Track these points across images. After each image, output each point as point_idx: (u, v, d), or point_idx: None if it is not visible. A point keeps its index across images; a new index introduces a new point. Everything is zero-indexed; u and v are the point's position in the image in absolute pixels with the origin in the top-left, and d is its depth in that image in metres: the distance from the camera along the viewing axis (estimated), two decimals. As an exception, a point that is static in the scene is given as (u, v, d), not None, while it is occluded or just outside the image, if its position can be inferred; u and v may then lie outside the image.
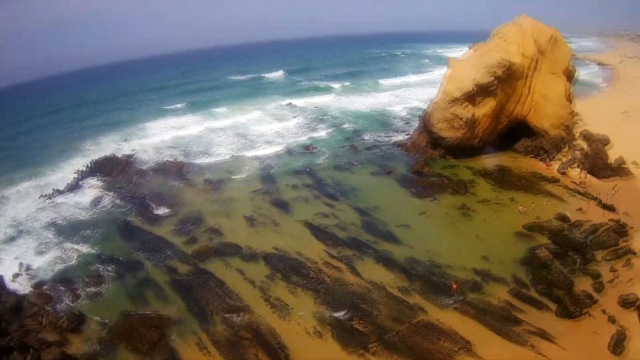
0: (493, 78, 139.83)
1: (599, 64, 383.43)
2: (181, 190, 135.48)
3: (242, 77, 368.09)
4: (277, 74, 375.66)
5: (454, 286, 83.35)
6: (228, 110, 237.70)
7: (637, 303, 75.93)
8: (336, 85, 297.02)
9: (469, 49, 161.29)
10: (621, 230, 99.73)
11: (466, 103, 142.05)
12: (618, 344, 67.55)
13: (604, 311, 75.84)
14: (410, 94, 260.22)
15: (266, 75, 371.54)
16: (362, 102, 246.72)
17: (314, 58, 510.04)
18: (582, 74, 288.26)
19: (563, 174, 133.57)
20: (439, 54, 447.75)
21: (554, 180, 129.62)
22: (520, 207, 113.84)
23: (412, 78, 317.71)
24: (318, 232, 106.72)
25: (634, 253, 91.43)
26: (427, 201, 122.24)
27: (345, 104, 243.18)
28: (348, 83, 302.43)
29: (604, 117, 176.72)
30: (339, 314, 78.06)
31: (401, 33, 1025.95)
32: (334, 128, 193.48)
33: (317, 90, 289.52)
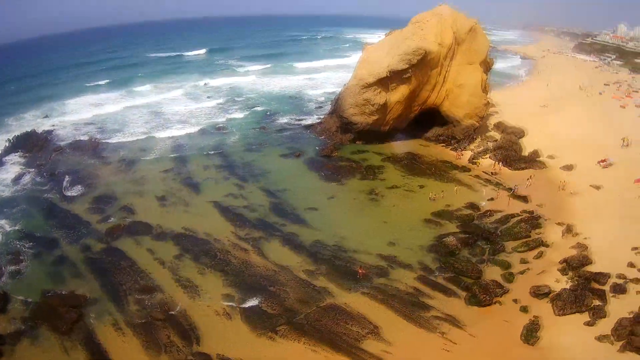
0: (408, 65, 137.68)
1: (522, 56, 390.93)
2: (97, 169, 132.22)
3: (164, 55, 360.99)
4: (198, 52, 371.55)
5: (360, 271, 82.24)
6: (147, 88, 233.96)
7: (550, 294, 74.86)
8: (254, 67, 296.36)
9: (386, 35, 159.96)
10: (534, 221, 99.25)
11: (379, 89, 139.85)
12: (531, 333, 66.25)
13: (515, 301, 74.82)
14: (325, 78, 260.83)
15: (187, 53, 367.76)
16: (278, 84, 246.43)
17: (236, 37, 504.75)
18: (503, 65, 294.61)
19: (474, 163, 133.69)
20: (359, 39, 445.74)
21: (465, 170, 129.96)
22: (431, 193, 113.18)
23: (329, 62, 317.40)
24: (227, 213, 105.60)
25: (547, 245, 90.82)
26: (335, 185, 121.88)
27: (261, 85, 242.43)
28: (266, 65, 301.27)
29: (523, 109, 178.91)
30: (247, 296, 77.42)
31: (325, 15, 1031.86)
32: (247, 109, 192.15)
33: (235, 70, 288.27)
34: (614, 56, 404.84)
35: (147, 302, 75.92)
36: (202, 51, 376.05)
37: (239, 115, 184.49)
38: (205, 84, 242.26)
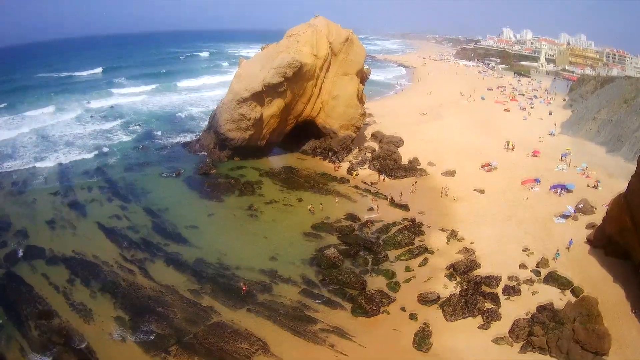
0: (282, 79, 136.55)
1: (402, 65, 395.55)
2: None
3: (57, 75, 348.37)
4: (83, 74, 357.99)
5: (244, 288, 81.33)
6: (39, 112, 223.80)
7: (439, 301, 74.93)
8: (139, 87, 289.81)
9: (262, 49, 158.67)
10: (416, 229, 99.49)
11: (254, 103, 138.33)
12: (423, 340, 66.05)
13: (403, 309, 74.68)
14: (207, 95, 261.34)
15: (79, 73, 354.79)
16: (161, 103, 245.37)
17: (124, 57, 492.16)
18: (383, 75, 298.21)
19: (352, 174, 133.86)
20: (242, 54, 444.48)
21: (344, 181, 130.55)
22: (310, 206, 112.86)
23: (211, 78, 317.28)
24: (112, 234, 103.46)
25: (431, 252, 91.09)
26: (215, 203, 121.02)
27: (145, 105, 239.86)
28: (151, 84, 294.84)
29: (401, 119, 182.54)
30: (137, 318, 76.00)
31: (208, 31, 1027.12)
32: (130, 130, 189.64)
33: (120, 91, 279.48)
34: (498, 60, 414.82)
35: (46, 328, 73.64)
36: (86, 73, 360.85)
37: (122, 136, 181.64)
38: (91, 105, 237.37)
